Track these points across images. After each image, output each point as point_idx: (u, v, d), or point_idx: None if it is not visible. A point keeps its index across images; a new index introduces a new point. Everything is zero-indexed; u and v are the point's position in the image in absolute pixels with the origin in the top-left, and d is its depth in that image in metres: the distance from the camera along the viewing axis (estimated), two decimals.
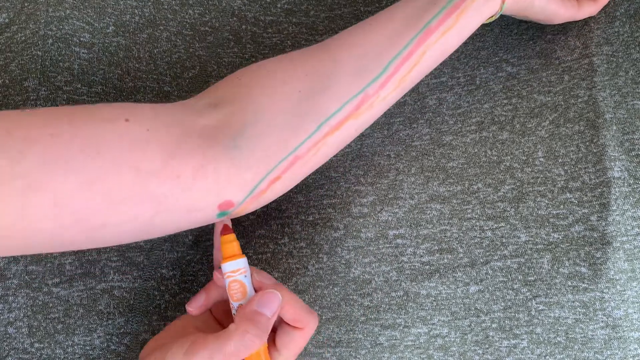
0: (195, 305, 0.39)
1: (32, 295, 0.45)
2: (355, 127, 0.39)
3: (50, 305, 0.45)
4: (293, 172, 0.38)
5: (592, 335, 0.43)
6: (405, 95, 0.45)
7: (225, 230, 0.38)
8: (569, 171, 0.45)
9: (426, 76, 0.44)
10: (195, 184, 0.35)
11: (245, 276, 0.37)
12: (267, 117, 0.37)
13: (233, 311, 0.37)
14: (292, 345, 0.38)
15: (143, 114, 0.35)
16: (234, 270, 0.37)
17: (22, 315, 0.44)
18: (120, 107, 0.36)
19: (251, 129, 0.36)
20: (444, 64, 0.48)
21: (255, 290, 0.38)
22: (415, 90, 0.48)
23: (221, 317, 0.41)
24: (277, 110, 0.37)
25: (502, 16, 0.48)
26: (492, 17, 0.41)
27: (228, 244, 0.38)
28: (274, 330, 0.39)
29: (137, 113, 0.35)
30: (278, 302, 0.36)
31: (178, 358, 0.34)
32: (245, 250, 0.46)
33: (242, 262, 0.37)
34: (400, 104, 0.48)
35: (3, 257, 0.45)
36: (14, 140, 0.31)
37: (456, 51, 0.43)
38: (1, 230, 0.31)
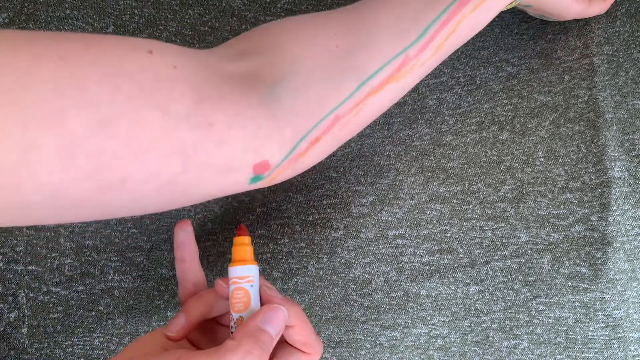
0: (175, 329, 0.34)
1: (31, 295, 0.45)
2: (396, 91, 0.36)
3: (50, 305, 0.45)
4: (333, 134, 0.35)
5: (593, 336, 0.43)
6: (405, 95, 0.45)
7: (240, 230, 0.35)
8: (569, 171, 0.45)
9: (426, 76, 0.44)
10: (231, 135, 0.30)
11: (252, 286, 0.33)
12: (305, 68, 0.33)
13: (232, 323, 0.33)
14: None
15: (168, 48, 0.30)
16: (242, 277, 0.33)
17: (21, 315, 0.45)
18: (140, 39, 0.30)
19: (290, 80, 0.33)
20: (444, 63, 0.48)
21: (262, 305, 0.34)
22: (415, 90, 0.48)
23: (196, 338, 0.36)
24: (315, 63, 0.34)
25: (502, 16, 0.48)
26: (513, 2, 0.41)
27: (241, 247, 0.34)
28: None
29: (161, 47, 0.30)
30: (284, 319, 0.32)
31: None
32: None
33: (252, 269, 0.34)
34: (400, 104, 0.48)
35: (3, 257, 0.45)
36: (21, 59, 0.25)
37: (456, 51, 0.43)
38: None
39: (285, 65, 0.33)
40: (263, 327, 0.31)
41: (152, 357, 0.30)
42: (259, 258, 0.46)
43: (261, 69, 0.33)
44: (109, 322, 0.45)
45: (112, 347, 0.45)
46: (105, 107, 0.26)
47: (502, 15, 0.49)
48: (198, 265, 0.38)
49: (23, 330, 0.44)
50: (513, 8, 0.45)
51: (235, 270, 0.33)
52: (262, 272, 0.46)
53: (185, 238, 0.38)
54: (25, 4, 0.48)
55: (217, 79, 0.31)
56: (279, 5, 0.50)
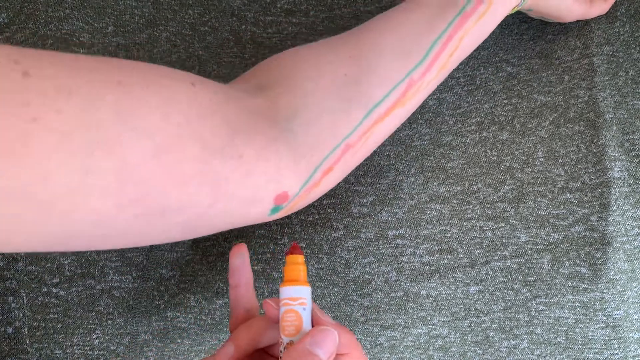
0: (225, 359, 0.32)
1: (31, 295, 0.44)
2: (401, 116, 0.37)
3: (50, 305, 0.44)
4: (344, 163, 0.36)
5: (592, 336, 0.43)
6: None
7: (293, 249, 0.33)
8: (569, 171, 0.45)
9: None
10: (258, 167, 0.31)
11: (305, 309, 0.31)
12: (315, 101, 0.34)
13: (281, 347, 0.31)
14: None
15: (206, 81, 0.31)
16: (294, 298, 0.31)
17: (21, 315, 0.44)
18: (179, 71, 0.30)
19: (302, 113, 0.33)
20: None
21: None
22: None
23: None
24: (325, 94, 0.34)
25: None
26: (515, 7, 0.40)
27: (294, 266, 0.32)
28: None
29: (200, 80, 0.31)
30: (334, 343, 0.29)
31: None
32: None
33: (305, 291, 0.31)
34: None
35: (2, 257, 0.45)
36: (91, 83, 0.24)
37: None
38: (56, 202, 0.23)
39: (296, 98, 0.34)
40: (312, 350, 0.28)
41: None
42: (259, 258, 0.46)
43: (276, 102, 0.34)
44: (109, 322, 0.45)
45: (112, 347, 0.45)
46: (158, 136, 0.26)
47: None
48: (252, 291, 0.36)
49: (23, 330, 0.44)
50: None
51: (287, 291, 0.31)
52: (262, 272, 0.46)
53: (241, 263, 0.36)
54: (25, 4, 0.47)
55: (246, 113, 0.31)
56: (278, 5, 0.50)
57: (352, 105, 0.35)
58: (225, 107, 0.30)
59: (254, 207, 0.32)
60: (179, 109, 0.27)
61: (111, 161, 0.24)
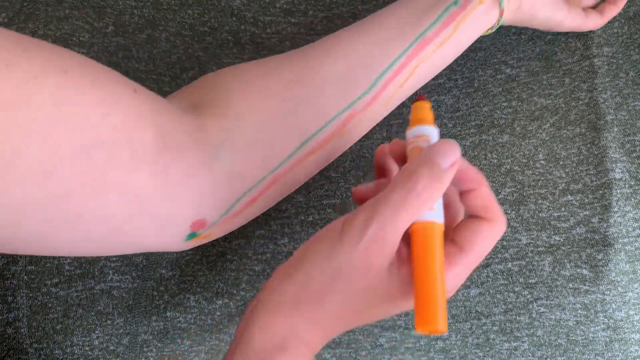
0: (364, 187, 0.30)
1: (31, 295, 0.43)
2: (339, 146, 0.34)
3: (49, 305, 0.43)
4: (267, 195, 0.33)
5: (593, 338, 0.42)
6: None
7: (419, 96, 0.30)
8: (570, 173, 0.44)
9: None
10: (180, 190, 0.29)
11: (429, 144, 0.28)
12: (247, 125, 0.31)
13: None
14: (479, 240, 0.27)
15: (147, 92, 0.29)
16: (417, 136, 0.28)
17: (21, 315, 0.43)
18: (124, 76, 0.29)
19: (232, 139, 0.31)
20: None
21: None
22: (414, 92, 0.47)
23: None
24: (258, 119, 0.32)
25: None
26: (489, 29, 0.38)
27: (421, 110, 0.29)
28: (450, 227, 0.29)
29: (141, 89, 0.29)
30: (455, 154, 0.25)
31: (322, 254, 0.25)
32: (245, 250, 0.44)
33: (431, 130, 0.28)
34: (398, 107, 0.46)
35: (2, 257, 0.43)
36: (33, 61, 0.22)
37: None
38: None
39: (228, 122, 0.31)
40: (431, 158, 0.25)
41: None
42: (259, 258, 0.44)
43: (208, 125, 0.31)
44: (109, 322, 0.43)
45: (112, 347, 0.43)
46: (92, 133, 0.24)
47: None
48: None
49: (22, 330, 0.43)
50: None
51: (411, 132, 0.29)
52: (262, 272, 0.44)
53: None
54: (25, 4, 0.46)
55: (179, 131, 0.29)
56: (277, 5, 0.48)
57: (285, 135, 0.32)
58: (160, 120, 0.28)
59: (168, 231, 0.30)
60: (117, 112, 0.26)
61: (43, 147, 0.22)
